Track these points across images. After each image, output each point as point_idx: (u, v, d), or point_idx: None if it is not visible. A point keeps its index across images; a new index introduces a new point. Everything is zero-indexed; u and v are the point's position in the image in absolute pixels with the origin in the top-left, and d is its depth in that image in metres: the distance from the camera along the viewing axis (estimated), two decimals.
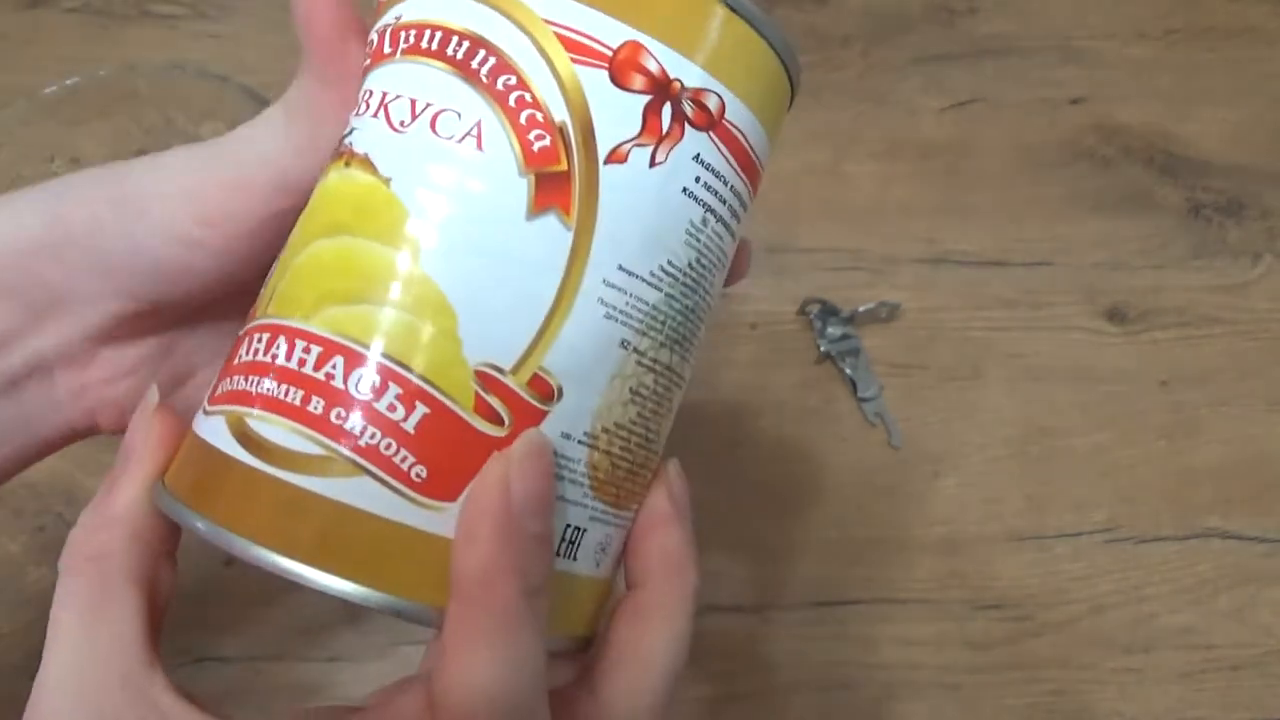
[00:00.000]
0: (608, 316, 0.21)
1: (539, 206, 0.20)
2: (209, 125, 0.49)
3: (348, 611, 0.43)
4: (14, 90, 0.46)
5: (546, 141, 0.21)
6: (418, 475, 0.20)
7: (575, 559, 0.22)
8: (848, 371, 0.51)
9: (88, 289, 0.25)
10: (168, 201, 0.24)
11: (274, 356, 0.21)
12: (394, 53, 0.22)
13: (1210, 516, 0.49)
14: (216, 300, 0.26)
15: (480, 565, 0.19)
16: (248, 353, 0.22)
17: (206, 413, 0.22)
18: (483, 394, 0.20)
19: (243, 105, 0.45)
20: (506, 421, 0.20)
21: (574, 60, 0.21)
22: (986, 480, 0.49)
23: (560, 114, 0.21)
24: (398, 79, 0.22)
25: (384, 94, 0.22)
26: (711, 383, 0.51)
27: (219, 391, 0.22)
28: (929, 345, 0.53)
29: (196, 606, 0.42)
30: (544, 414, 0.21)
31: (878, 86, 0.61)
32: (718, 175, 0.23)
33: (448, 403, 0.20)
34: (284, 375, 0.20)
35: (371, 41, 0.23)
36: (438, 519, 0.20)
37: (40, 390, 0.26)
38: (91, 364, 0.26)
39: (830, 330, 0.52)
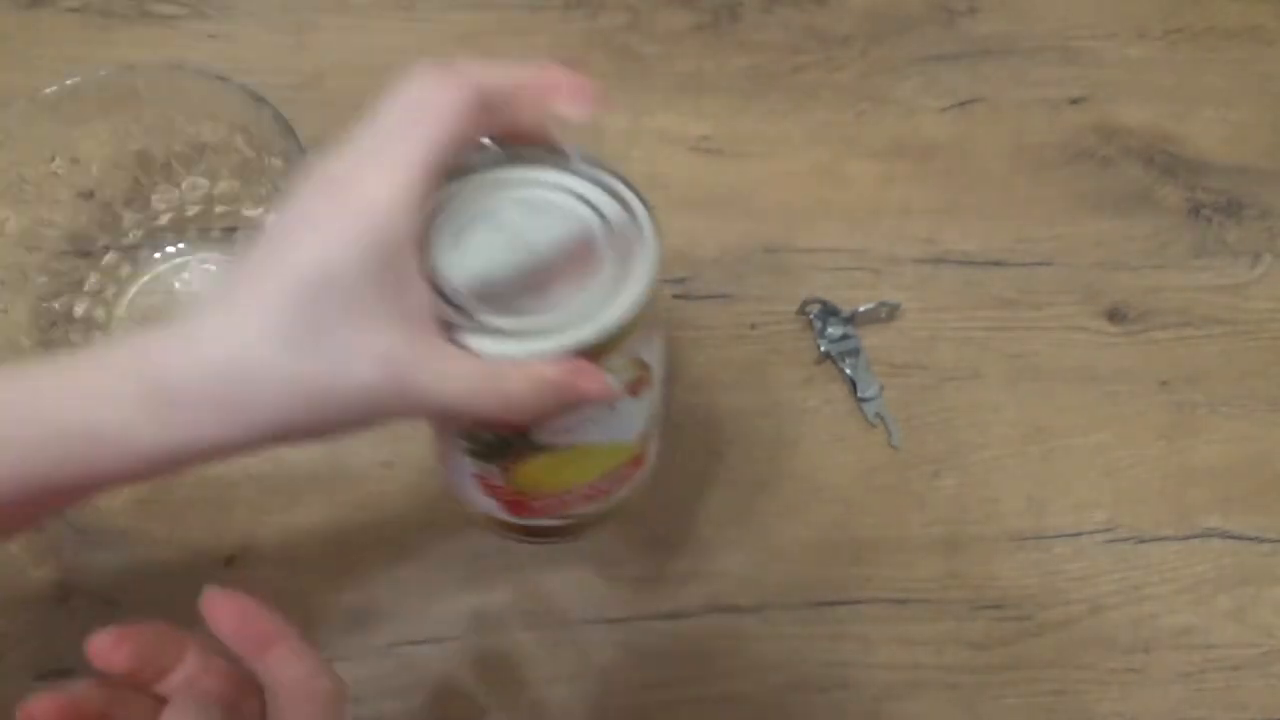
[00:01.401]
0: None
1: None
2: (209, 125, 0.49)
3: (348, 611, 0.43)
4: (14, 90, 0.46)
5: None
6: None
7: None
8: (848, 371, 0.51)
9: None
10: None
11: None
12: None
13: (1210, 516, 0.49)
14: None
15: None
16: None
17: None
18: None
19: (243, 105, 0.45)
20: None
21: None
22: (986, 480, 0.49)
23: None
24: None
25: None
26: (711, 383, 0.51)
27: None
28: (929, 345, 0.53)
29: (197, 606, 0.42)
30: None
31: (878, 86, 0.61)
32: None
33: None
34: None
35: None
36: None
37: None
38: None
39: (830, 330, 0.52)
